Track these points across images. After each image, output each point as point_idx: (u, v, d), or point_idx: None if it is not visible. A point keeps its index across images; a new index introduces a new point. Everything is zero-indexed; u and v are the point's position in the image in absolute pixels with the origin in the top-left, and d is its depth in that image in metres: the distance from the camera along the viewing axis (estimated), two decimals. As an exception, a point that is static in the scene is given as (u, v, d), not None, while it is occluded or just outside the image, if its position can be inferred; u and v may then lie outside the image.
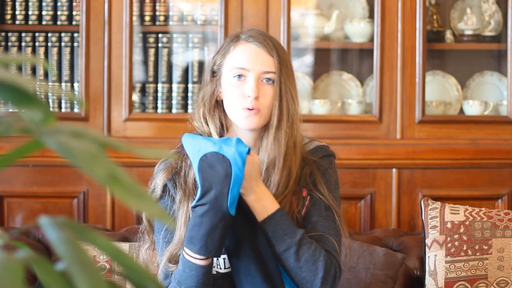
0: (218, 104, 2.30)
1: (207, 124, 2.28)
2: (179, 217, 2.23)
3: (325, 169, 2.30)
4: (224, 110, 2.29)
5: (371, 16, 3.74)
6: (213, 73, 2.31)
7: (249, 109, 2.22)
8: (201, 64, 3.72)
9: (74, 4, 3.64)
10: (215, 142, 2.13)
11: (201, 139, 2.15)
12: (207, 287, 2.15)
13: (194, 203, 2.10)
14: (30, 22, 3.66)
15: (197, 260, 2.12)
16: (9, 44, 3.66)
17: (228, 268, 2.21)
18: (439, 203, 3.09)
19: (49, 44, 3.66)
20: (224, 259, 2.21)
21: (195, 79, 3.69)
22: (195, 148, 2.12)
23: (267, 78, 2.24)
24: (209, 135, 2.27)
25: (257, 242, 2.18)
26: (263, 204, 2.16)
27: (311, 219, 2.25)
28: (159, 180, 2.27)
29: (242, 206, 2.15)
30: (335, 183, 2.31)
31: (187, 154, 2.18)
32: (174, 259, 2.21)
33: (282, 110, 2.23)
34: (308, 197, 2.26)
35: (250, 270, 2.17)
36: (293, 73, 2.31)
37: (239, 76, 2.24)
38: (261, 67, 2.24)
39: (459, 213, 3.05)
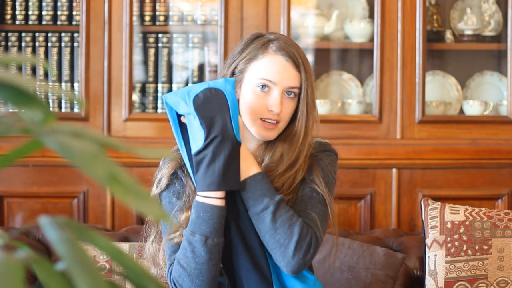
0: None
1: None
2: (188, 204, 2.23)
3: (320, 159, 2.31)
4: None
5: (371, 16, 3.74)
6: (233, 75, 2.31)
7: (268, 123, 2.23)
8: (201, 64, 3.72)
9: (74, 4, 3.64)
10: (201, 83, 2.16)
11: (184, 88, 2.17)
12: (220, 236, 2.15)
13: (200, 146, 2.10)
14: (30, 22, 3.66)
15: (214, 200, 2.13)
16: (9, 44, 3.66)
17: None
18: (439, 203, 3.09)
19: (49, 44, 3.66)
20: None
21: (195, 79, 3.69)
22: (183, 96, 2.14)
23: (290, 92, 2.26)
24: None
25: (243, 230, 2.19)
26: (246, 164, 2.18)
27: (296, 200, 2.25)
28: (166, 169, 2.28)
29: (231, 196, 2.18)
30: (328, 173, 2.30)
31: (171, 112, 2.19)
32: (177, 230, 2.21)
33: (308, 127, 2.27)
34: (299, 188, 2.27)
35: (238, 258, 2.18)
36: (313, 81, 2.33)
37: (263, 86, 2.25)
38: (287, 83, 2.25)
39: (459, 213, 3.05)
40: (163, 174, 2.28)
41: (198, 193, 2.15)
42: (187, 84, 3.69)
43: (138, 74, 3.69)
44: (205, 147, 2.10)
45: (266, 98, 2.24)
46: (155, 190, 2.28)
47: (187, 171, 2.25)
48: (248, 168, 2.18)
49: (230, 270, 2.19)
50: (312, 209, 2.23)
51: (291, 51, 2.27)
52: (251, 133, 2.27)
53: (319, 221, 2.21)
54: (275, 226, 2.15)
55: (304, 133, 2.26)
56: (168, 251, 2.24)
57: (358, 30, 3.75)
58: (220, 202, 2.14)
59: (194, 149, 2.13)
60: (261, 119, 2.24)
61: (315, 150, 2.32)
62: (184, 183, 2.26)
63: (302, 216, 2.20)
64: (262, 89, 2.24)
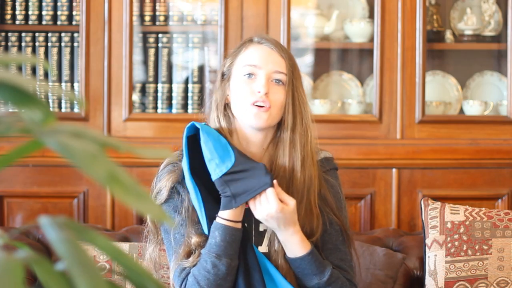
0: (228, 107, 2.32)
1: (221, 127, 2.30)
2: (191, 221, 2.24)
3: (333, 186, 2.35)
4: (232, 114, 2.31)
5: (371, 16, 3.74)
6: (223, 76, 2.32)
7: (258, 106, 2.23)
8: (201, 64, 3.72)
9: (74, 4, 3.64)
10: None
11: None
12: (237, 257, 2.21)
13: (233, 160, 2.17)
14: (30, 22, 3.66)
15: (237, 223, 2.20)
16: (9, 44, 3.66)
17: None
18: (439, 203, 3.09)
19: (49, 44, 3.66)
20: None
21: (195, 79, 3.69)
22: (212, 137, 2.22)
23: (277, 79, 2.26)
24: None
25: (246, 255, 2.23)
26: (298, 241, 2.22)
27: (328, 244, 2.32)
28: (166, 182, 2.27)
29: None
30: (343, 200, 2.38)
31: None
32: (188, 255, 2.24)
33: (296, 113, 2.27)
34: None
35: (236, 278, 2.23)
36: (302, 80, 2.34)
37: (250, 74, 2.26)
38: (273, 66, 2.26)
39: (459, 213, 3.05)
40: (162, 186, 2.28)
41: (223, 216, 2.20)
42: (186, 83, 3.69)
43: (138, 74, 3.69)
44: (238, 163, 2.18)
45: (253, 83, 2.26)
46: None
47: (186, 185, 2.25)
48: (300, 246, 2.23)
49: None
50: (346, 257, 2.33)
51: (274, 41, 2.32)
52: (247, 128, 2.28)
53: (353, 266, 2.35)
54: None
55: (292, 121, 2.26)
56: (178, 269, 2.26)
57: (358, 30, 3.75)
58: (240, 225, 2.22)
59: (221, 168, 2.18)
60: (251, 104, 2.24)
61: (323, 169, 2.35)
62: (183, 198, 2.27)
63: (343, 270, 2.30)
64: (249, 77, 2.26)
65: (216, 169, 2.17)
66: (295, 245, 2.22)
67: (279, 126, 2.29)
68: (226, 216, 2.19)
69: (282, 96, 2.26)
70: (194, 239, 2.22)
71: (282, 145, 2.27)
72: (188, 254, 2.23)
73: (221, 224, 2.18)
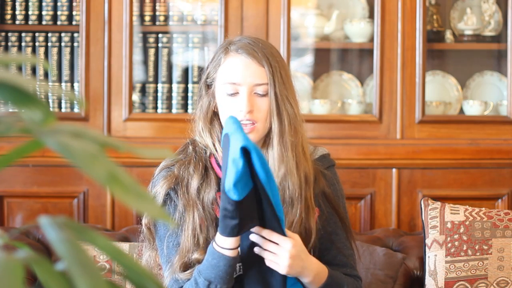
0: (215, 115, 2.30)
1: (208, 137, 2.28)
2: (185, 227, 2.22)
3: (333, 183, 2.34)
4: (221, 123, 2.28)
5: (371, 16, 3.74)
6: (207, 85, 2.31)
7: (245, 124, 2.20)
8: (201, 64, 3.72)
9: (74, 4, 3.64)
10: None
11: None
12: (225, 284, 2.13)
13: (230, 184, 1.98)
14: (30, 22, 3.66)
15: (227, 250, 2.09)
16: (9, 44, 3.66)
17: (240, 272, 2.20)
18: (439, 203, 3.10)
19: (49, 44, 3.66)
20: (239, 265, 2.19)
21: (195, 79, 3.69)
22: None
23: (259, 91, 2.22)
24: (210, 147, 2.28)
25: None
26: (319, 278, 2.20)
27: (337, 244, 2.31)
28: (160, 188, 2.25)
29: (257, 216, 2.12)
30: (342, 196, 2.37)
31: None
32: (184, 268, 2.20)
33: (283, 121, 2.22)
34: (319, 214, 2.30)
35: (256, 277, 2.17)
36: (289, 76, 2.28)
37: (232, 93, 2.22)
38: (252, 80, 2.22)
39: (459, 213, 3.05)
40: (157, 191, 2.25)
41: (217, 241, 2.10)
42: (186, 83, 3.69)
43: (138, 74, 3.69)
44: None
45: (236, 101, 2.22)
46: None
47: (182, 191, 2.22)
48: (320, 278, 2.20)
49: None
50: (349, 252, 2.33)
51: (252, 48, 2.22)
52: None
53: (356, 261, 2.36)
54: None
55: (279, 132, 2.21)
56: (171, 280, 2.23)
57: (358, 30, 3.75)
58: (233, 253, 2.10)
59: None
60: None
61: (322, 167, 2.33)
62: (176, 204, 2.24)
63: (349, 267, 2.31)
64: (231, 95, 2.22)
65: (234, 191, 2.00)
66: (320, 274, 2.20)
67: (268, 132, 2.26)
68: (218, 241, 2.11)
69: (266, 107, 2.22)
70: (195, 256, 2.19)
71: (271, 152, 2.23)
72: (185, 267, 2.20)
73: (211, 246, 2.12)
